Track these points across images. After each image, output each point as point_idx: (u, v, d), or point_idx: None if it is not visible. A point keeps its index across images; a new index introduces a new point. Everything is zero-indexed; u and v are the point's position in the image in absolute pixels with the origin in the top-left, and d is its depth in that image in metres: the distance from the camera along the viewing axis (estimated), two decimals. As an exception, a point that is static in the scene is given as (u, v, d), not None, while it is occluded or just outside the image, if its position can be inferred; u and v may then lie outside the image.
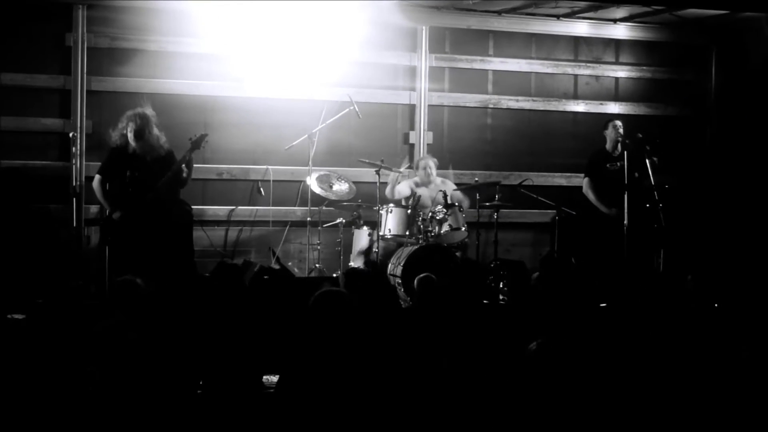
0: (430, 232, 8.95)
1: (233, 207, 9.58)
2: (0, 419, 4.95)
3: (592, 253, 9.27)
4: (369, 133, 9.88)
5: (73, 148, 8.77)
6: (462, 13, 10.05)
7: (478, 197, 9.12)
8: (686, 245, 9.70)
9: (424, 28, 9.98)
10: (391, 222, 9.01)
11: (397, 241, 9.20)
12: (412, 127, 10.10)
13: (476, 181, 9.51)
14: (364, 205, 9.18)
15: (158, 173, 8.24)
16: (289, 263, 9.31)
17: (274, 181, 9.60)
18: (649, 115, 10.76)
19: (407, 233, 9.04)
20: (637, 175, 8.94)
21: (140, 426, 4.83)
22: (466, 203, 9.34)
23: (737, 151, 10.60)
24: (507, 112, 10.45)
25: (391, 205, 9.15)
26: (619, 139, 9.22)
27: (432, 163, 9.43)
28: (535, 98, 10.51)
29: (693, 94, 10.95)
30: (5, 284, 7.95)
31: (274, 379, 5.43)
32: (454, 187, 9.54)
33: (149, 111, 8.38)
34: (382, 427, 4.43)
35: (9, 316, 6.84)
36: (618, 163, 9.12)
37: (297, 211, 9.69)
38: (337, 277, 8.62)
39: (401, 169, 9.41)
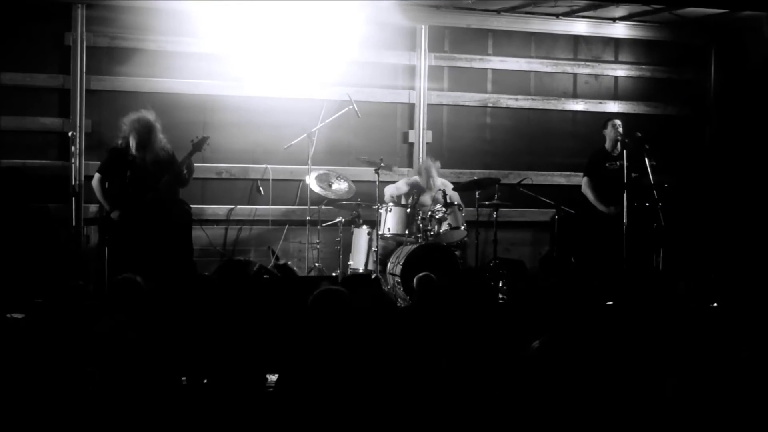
0: (430, 231, 8.95)
1: (233, 206, 9.58)
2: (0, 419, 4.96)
3: (592, 252, 9.28)
4: (368, 133, 9.88)
5: (73, 148, 8.76)
6: (461, 12, 10.04)
7: (477, 196, 9.12)
8: (685, 244, 9.71)
9: (423, 27, 9.98)
10: (390, 221, 9.01)
11: (397, 240, 9.21)
12: (411, 126, 10.10)
13: (475, 179, 9.53)
14: (363, 204, 9.18)
15: (158, 174, 8.25)
16: (289, 262, 9.29)
17: (273, 180, 9.60)
18: (649, 114, 10.76)
19: (406, 232, 9.04)
20: (636, 174, 8.94)
21: (141, 425, 4.83)
22: (456, 199, 9.33)
23: (736, 150, 10.60)
24: (506, 111, 10.45)
25: (391, 204, 9.16)
26: (619, 138, 9.22)
27: (434, 171, 9.39)
28: (534, 97, 10.51)
29: (692, 93, 10.95)
30: (5, 283, 7.94)
31: (274, 378, 5.43)
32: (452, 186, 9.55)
33: (151, 117, 8.36)
34: (381, 426, 4.43)
35: (8, 316, 6.84)
36: (617, 163, 9.12)
37: (296, 210, 9.69)
38: (336, 276, 8.64)
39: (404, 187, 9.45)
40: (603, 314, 7.61)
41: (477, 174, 9.95)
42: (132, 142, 8.28)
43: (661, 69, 10.87)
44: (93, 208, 9.02)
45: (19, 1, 8.91)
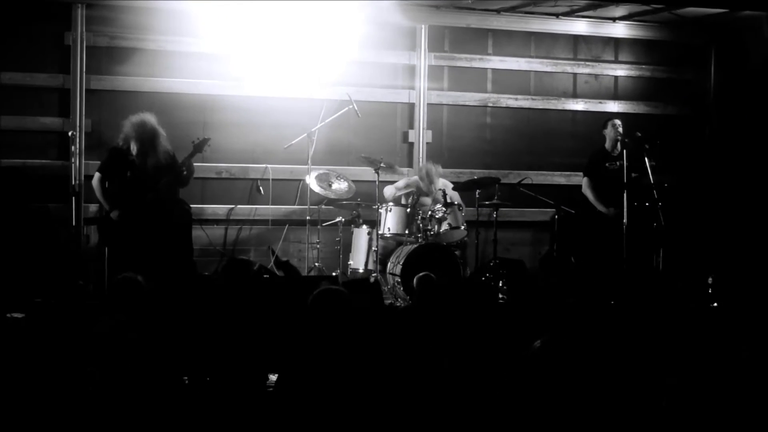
0: (430, 230, 8.95)
1: (232, 206, 9.57)
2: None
3: (592, 252, 9.28)
4: (368, 132, 9.88)
5: (73, 147, 8.75)
6: (461, 12, 10.04)
7: (477, 196, 9.11)
8: (685, 244, 9.70)
9: (423, 26, 9.98)
10: (390, 221, 9.01)
11: (397, 240, 9.20)
12: (411, 126, 10.10)
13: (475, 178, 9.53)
14: (363, 204, 9.18)
15: (158, 174, 8.24)
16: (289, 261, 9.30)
17: (273, 179, 9.60)
18: (649, 114, 10.76)
19: (406, 232, 9.04)
20: (636, 174, 8.94)
21: (141, 425, 4.83)
22: (456, 199, 9.32)
23: (736, 149, 10.60)
24: (506, 111, 10.44)
25: (391, 203, 9.16)
26: (619, 138, 9.21)
27: (435, 177, 9.36)
28: (534, 97, 10.50)
29: (692, 92, 10.95)
30: (5, 283, 7.94)
31: (273, 377, 5.43)
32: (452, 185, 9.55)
33: (154, 121, 8.34)
34: (381, 426, 4.43)
35: (8, 315, 6.84)
36: (617, 163, 9.12)
37: (296, 210, 9.69)
38: (336, 276, 8.63)
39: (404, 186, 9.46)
40: (603, 314, 7.62)
41: (477, 174, 9.94)
42: (134, 147, 8.27)
43: (661, 69, 10.87)
44: (93, 207, 9.02)
45: (19, 1, 8.91)
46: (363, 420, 4.37)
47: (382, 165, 9.03)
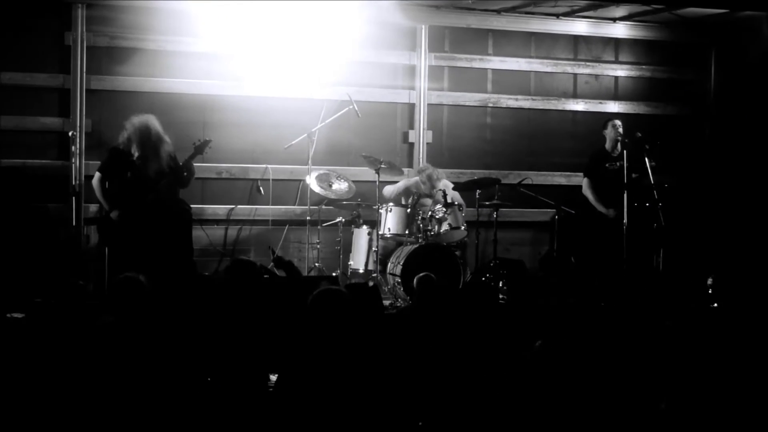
0: (430, 231, 8.95)
1: (233, 206, 9.57)
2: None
3: (592, 253, 9.28)
4: (368, 132, 9.88)
5: (73, 147, 8.76)
6: (461, 12, 10.04)
7: (477, 196, 9.11)
8: (685, 244, 9.70)
9: (423, 27, 9.98)
10: (390, 221, 9.01)
11: (397, 240, 9.20)
12: (411, 126, 10.10)
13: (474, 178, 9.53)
14: (363, 204, 9.18)
15: (159, 175, 8.24)
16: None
17: (273, 180, 9.60)
18: (649, 114, 10.76)
19: (407, 232, 9.05)
20: (636, 174, 8.93)
21: (142, 424, 4.82)
22: (456, 199, 9.32)
23: (736, 149, 10.60)
24: (506, 111, 10.44)
25: (391, 204, 9.16)
26: (619, 138, 9.21)
27: (437, 181, 9.34)
28: (534, 97, 10.51)
29: (692, 93, 10.95)
30: (5, 283, 7.95)
31: (273, 377, 5.43)
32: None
33: (157, 124, 8.33)
34: (381, 426, 4.43)
35: (8, 315, 6.84)
36: (617, 163, 9.12)
37: (296, 210, 9.69)
38: (336, 276, 8.63)
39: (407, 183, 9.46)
40: (603, 315, 7.62)
41: (477, 174, 9.94)
42: (135, 151, 8.27)
43: (662, 69, 10.87)
44: (93, 207, 9.01)
45: (19, 1, 8.91)
46: (363, 420, 4.37)
47: (382, 165, 9.03)
